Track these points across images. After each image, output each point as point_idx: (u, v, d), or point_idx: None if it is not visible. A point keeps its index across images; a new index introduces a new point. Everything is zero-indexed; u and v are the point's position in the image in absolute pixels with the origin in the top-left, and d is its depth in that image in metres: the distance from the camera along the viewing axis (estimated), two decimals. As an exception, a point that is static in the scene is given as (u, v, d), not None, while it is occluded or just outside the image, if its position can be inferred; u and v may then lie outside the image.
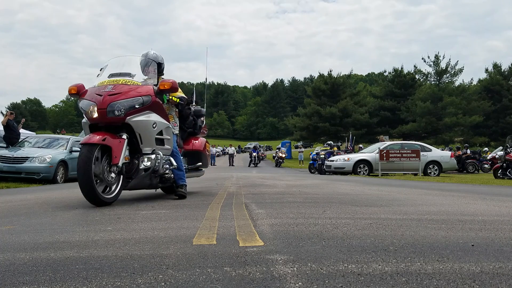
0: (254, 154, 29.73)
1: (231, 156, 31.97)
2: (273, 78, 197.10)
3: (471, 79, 48.76)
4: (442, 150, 19.56)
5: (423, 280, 1.33)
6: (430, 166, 14.54)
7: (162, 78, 4.23)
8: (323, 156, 17.97)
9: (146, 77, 4.05)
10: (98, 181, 3.47)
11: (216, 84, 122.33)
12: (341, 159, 15.47)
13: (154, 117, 3.89)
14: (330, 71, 46.50)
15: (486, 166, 20.68)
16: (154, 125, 3.86)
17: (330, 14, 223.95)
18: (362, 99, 46.12)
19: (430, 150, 15.19)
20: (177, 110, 4.61)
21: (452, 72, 42.70)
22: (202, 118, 5.34)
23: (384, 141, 20.39)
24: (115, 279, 1.37)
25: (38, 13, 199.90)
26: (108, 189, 3.67)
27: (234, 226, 2.44)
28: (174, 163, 4.31)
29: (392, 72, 47.92)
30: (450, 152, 16.38)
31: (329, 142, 22.23)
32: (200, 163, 5.29)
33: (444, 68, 42.61)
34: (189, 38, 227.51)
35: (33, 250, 1.86)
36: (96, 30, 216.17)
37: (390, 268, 1.47)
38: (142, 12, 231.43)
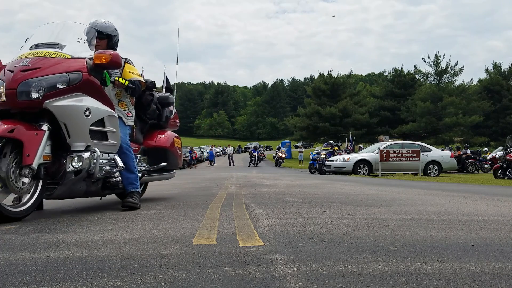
0: (254, 154, 29.74)
1: (230, 156, 32.11)
2: (273, 78, 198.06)
3: (471, 79, 48.96)
4: (442, 150, 19.54)
5: (423, 280, 1.32)
6: (430, 166, 14.55)
7: None
8: (324, 156, 17.93)
9: (92, 52, 3.11)
10: (1, 187, 2.58)
11: (216, 84, 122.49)
12: (341, 159, 15.48)
13: (87, 101, 2.94)
14: (330, 71, 46.53)
15: (486, 166, 20.66)
16: (87, 112, 2.92)
17: (330, 14, 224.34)
18: (362, 99, 46.09)
19: (430, 150, 15.19)
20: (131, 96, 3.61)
21: (452, 72, 42.76)
22: (170, 108, 4.45)
23: (384, 141, 20.39)
24: (115, 279, 1.37)
25: (38, 13, 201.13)
26: (18, 199, 2.78)
27: (234, 226, 2.44)
28: (120, 164, 3.30)
29: (392, 72, 47.94)
30: (450, 152, 16.39)
31: (330, 141, 22.09)
32: (165, 163, 4.15)
33: (444, 68, 42.63)
34: (188, 38, 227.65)
35: (33, 250, 1.86)
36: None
37: (390, 268, 1.47)
38: (142, 12, 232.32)
